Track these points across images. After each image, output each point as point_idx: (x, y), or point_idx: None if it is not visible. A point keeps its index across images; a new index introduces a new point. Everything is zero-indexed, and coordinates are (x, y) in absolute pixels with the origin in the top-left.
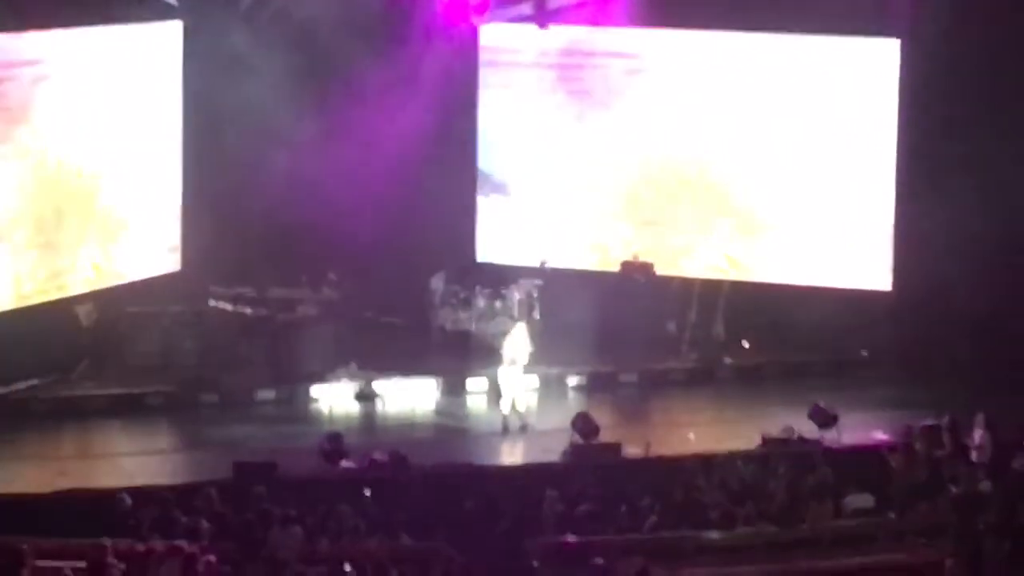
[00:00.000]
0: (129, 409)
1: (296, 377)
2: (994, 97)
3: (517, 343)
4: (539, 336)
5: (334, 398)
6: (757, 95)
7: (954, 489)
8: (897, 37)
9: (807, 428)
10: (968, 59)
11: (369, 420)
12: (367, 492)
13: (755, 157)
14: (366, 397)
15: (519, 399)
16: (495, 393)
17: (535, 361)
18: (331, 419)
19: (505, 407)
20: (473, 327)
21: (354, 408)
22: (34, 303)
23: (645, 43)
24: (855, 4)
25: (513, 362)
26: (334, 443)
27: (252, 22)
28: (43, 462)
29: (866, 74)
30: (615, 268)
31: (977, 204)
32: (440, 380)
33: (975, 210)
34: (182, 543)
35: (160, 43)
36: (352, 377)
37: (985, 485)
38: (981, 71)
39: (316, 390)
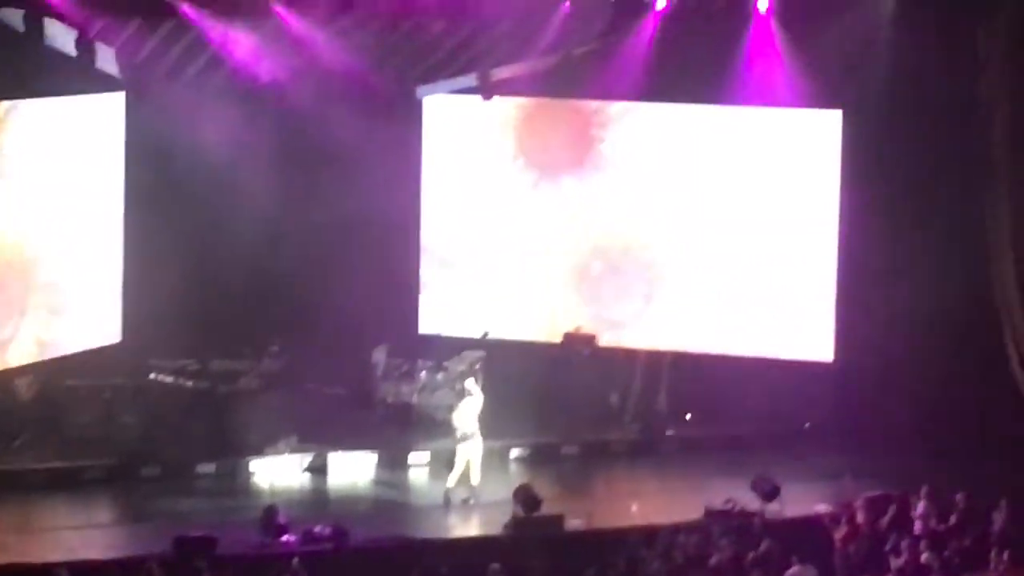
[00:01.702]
0: (69, 482)
1: (238, 450)
2: (936, 168)
3: (460, 415)
4: (482, 408)
5: (276, 471)
6: (703, 166)
7: (896, 561)
8: (839, 108)
9: (749, 500)
10: (909, 130)
11: (310, 493)
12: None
13: (700, 227)
14: (312, 470)
15: (461, 472)
16: (437, 466)
17: (478, 433)
18: (272, 492)
19: (447, 480)
20: (415, 400)
21: (295, 481)
22: None
23: (590, 115)
24: (797, 76)
25: (455, 435)
26: (274, 517)
27: (196, 93)
28: None
29: (809, 145)
30: (558, 339)
31: (918, 275)
32: (382, 453)
33: (916, 281)
34: None
35: (103, 114)
36: (293, 450)
37: (927, 557)
38: (922, 142)
39: (257, 463)
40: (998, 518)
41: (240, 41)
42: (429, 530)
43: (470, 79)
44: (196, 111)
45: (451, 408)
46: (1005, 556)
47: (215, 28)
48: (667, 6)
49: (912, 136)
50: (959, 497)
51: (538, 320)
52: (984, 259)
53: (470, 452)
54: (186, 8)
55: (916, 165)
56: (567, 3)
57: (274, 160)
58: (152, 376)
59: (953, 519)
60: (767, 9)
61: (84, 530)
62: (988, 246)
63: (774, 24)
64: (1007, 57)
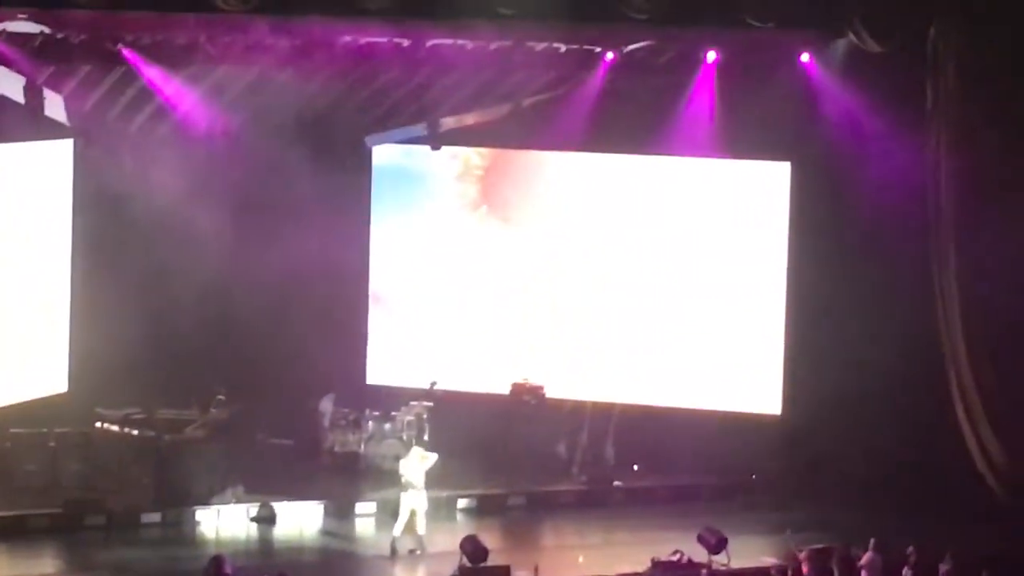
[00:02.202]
0: (13, 532)
1: (183, 499)
2: (883, 220)
3: (407, 465)
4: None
5: (222, 521)
6: (652, 217)
7: None
8: (787, 160)
9: (697, 552)
10: (856, 180)
11: (257, 543)
12: None
13: (648, 278)
14: (258, 520)
15: (408, 522)
16: (384, 516)
17: (425, 484)
18: (219, 542)
19: (394, 530)
20: (362, 449)
21: (242, 531)
22: None
23: (541, 165)
24: (747, 128)
25: (402, 485)
26: (221, 567)
27: (145, 140)
28: None
29: (758, 196)
30: (506, 391)
31: (866, 327)
32: (329, 503)
33: (864, 334)
34: None
35: (51, 161)
36: (240, 500)
37: None
38: (869, 192)
39: (203, 513)
40: (943, 571)
41: (185, 92)
42: None
43: (419, 129)
44: (144, 158)
45: (398, 458)
46: None
47: (161, 78)
48: (615, 57)
49: (860, 186)
50: (910, 550)
51: (486, 371)
52: (932, 310)
53: (417, 502)
54: (132, 56)
55: (864, 216)
56: (518, 54)
57: (222, 208)
58: (98, 425)
59: (907, 572)
60: (714, 61)
61: None
62: (936, 297)
63: (722, 76)
64: (954, 111)
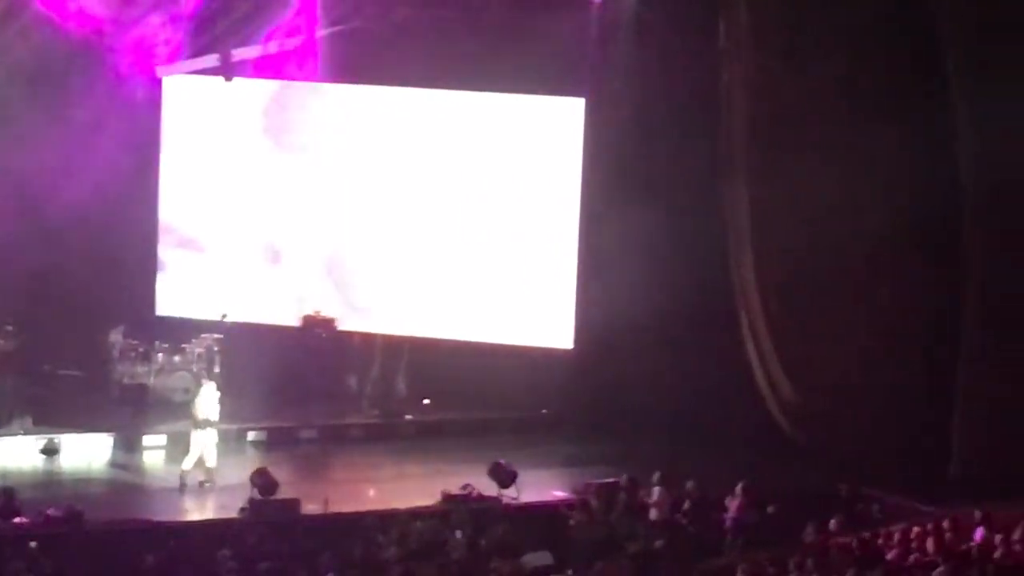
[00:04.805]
0: None
1: None
2: (677, 159)
3: (197, 398)
4: (219, 391)
5: (9, 452)
6: (447, 152)
7: (631, 547)
8: (582, 96)
9: (487, 485)
10: (651, 120)
11: (44, 475)
12: (32, 544)
13: (444, 214)
14: (46, 451)
15: (198, 455)
16: (173, 449)
17: (215, 416)
18: (5, 474)
19: (183, 463)
20: (151, 382)
21: (28, 463)
22: None
23: (336, 98)
24: (542, 65)
25: (192, 417)
26: (6, 498)
27: None
28: None
29: (551, 133)
30: (297, 323)
31: (657, 266)
32: (117, 435)
33: (655, 271)
34: None
35: None
36: (27, 431)
37: (660, 543)
38: (664, 133)
39: None
40: (732, 505)
41: None
42: (164, 513)
43: (211, 59)
44: None
45: (188, 391)
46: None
47: None
48: None
49: (654, 126)
50: (690, 485)
51: (278, 304)
52: (723, 250)
53: (206, 435)
54: None
55: (657, 155)
56: None
57: (4, 137)
58: None
59: (687, 506)
60: None
61: None
62: (727, 237)
63: (515, 10)
64: (746, 50)
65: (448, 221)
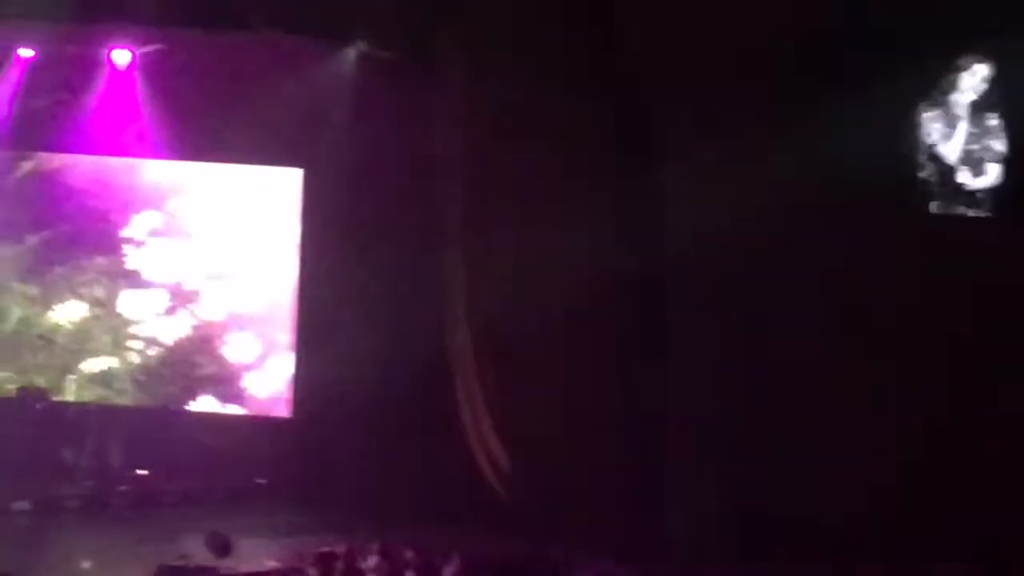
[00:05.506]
0: None
1: None
2: (396, 229)
3: None
4: None
5: None
6: (167, 222)
7: None
8: (300, 167)
9: (203, 556)
10: (370, 189)
11: None
12: None
13: (168, 278)
14: None
15: None
16: None
17: None
18: None
19: None
20: None
21: None
22: None
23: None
24: (264, 134)
25: None
26: None
27: None
28: None
29: (269, 203)
30: (12, 394)
31: (375, 336)
32: None
33: (374, 341)
34: None
35: None
36: None
37: None
38: (382, 202)
39: None
40: (448, 572)
41: None
42: None
43: None
44: None
45: None
46: None
47: None
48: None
49: (373, 195)
50: (410, 553)
51: None
52: (440, 324)
53: None
54: None
55: (376, 224)
56: None
57: None
58: None
59: (409, 574)
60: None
61: None
62: (445, 311)
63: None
64: (462, 122)
65: (173, 287)
